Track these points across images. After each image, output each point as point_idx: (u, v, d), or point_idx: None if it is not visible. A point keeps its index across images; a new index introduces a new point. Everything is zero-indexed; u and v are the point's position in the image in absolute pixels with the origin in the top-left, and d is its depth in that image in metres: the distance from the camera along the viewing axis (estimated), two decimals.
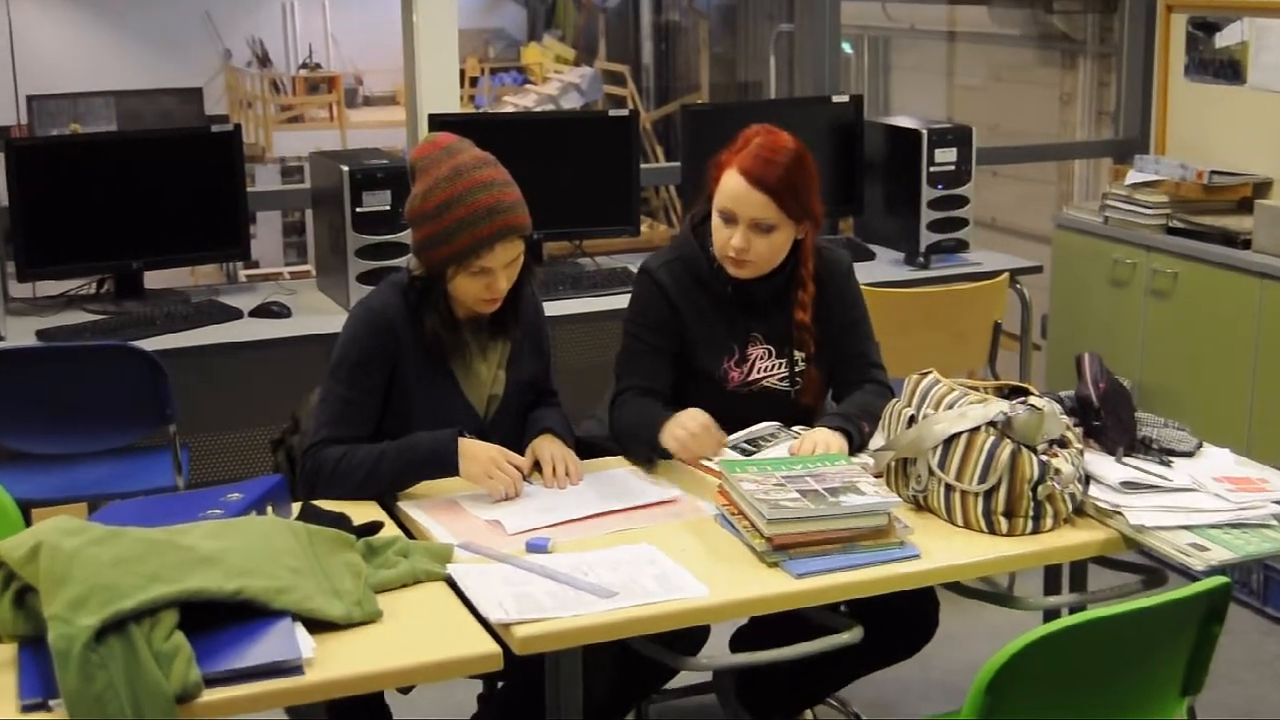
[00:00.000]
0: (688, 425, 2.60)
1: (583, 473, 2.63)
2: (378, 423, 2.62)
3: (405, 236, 3.69)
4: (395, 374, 2.63)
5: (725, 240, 2.73)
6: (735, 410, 2.76)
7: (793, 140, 2.73)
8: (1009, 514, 2.37)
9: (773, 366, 2.84)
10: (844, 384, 2.89)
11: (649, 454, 2.68)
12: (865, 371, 2.87)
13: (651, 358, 2.80)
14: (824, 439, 2.64)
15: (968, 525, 2.39)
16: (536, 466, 2.63)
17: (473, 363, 2.70)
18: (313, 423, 2.63)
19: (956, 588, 2.43)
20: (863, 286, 2.95)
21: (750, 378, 2.84)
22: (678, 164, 4.52)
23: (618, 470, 2.71)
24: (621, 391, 2.80)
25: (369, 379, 2.60)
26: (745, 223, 2.70)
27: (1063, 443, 2.43)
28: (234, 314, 3.80)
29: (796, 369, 2.84)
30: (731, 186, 2.70)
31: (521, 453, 2.65)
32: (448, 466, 2.52)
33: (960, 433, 2.39)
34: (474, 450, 2.53)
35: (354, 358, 2.61)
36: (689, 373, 2.84)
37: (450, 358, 2.67)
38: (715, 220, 2.75)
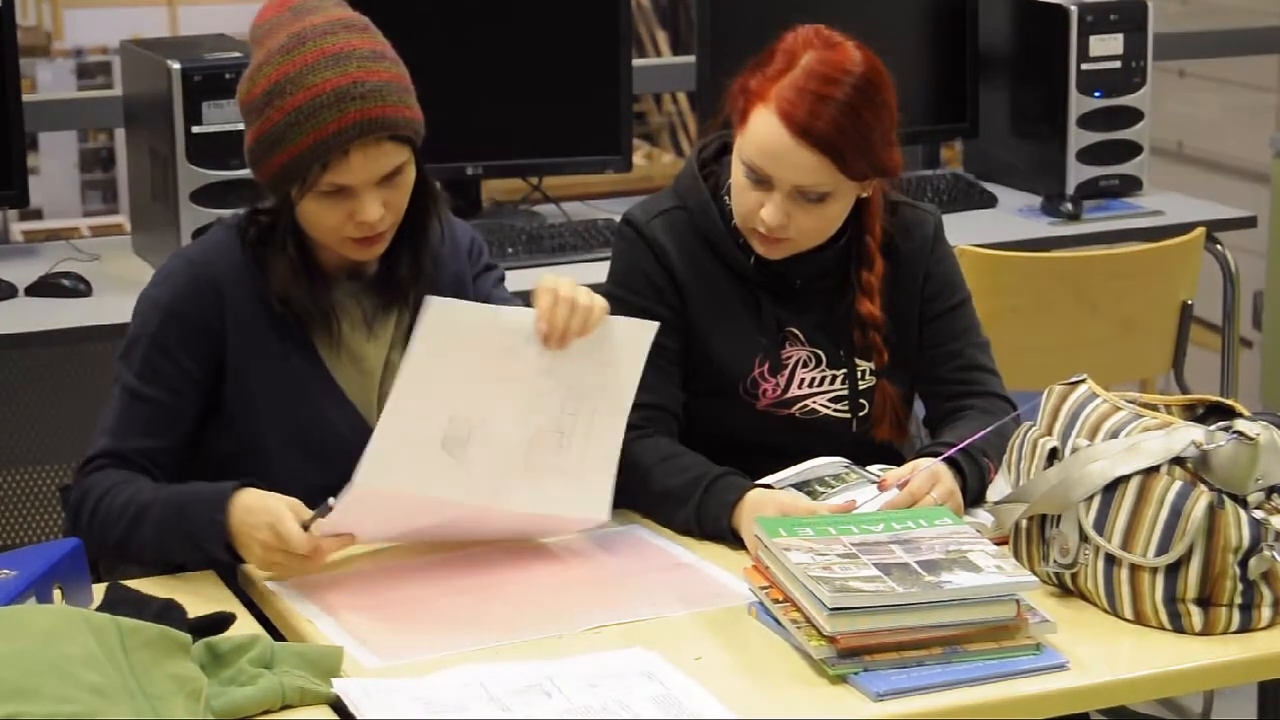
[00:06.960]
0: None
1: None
2: (190, 434, 2.64)
3: None
4: (225, 360, 2.64)
5: (752, 210, 2.74)
6: (770, 445, 2.78)
7: (860, 55, 2.72)
8: (1205, 601, 2.38)
9: (821, 380, 2.86)
10: (935, 401, 2.91)
11: (697, 532, 2.70)
12: (969, 380, 2.89)
13: (650, 358, 2.81)
14: (936, 475, 2.64)
15: (1140, 618, 2.40)
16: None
17: (352, 343, 2.70)
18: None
19: (1124, 715, 2.43)
20: (978, 249, 2.95)
21: (789, 394, 2.85)
22: (690, 59, 4.54)
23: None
24: None
25: (171, 365, 2.62)
26: (785, 190, 2.70)
27: None
28: (4, 291, 3.80)
29: (860, 386, 2.86)
30: (765, 136, 2.70)
31: None
32: (209, 542, 2.46)
33: (1129, 475, 2.40)
34: (248, 503, 2.46)
35: (151, 331, 2.63)
36: (698, 383, 2.86)
37: (314, 334, 2.68)
38: (739, 177, 2.76)
